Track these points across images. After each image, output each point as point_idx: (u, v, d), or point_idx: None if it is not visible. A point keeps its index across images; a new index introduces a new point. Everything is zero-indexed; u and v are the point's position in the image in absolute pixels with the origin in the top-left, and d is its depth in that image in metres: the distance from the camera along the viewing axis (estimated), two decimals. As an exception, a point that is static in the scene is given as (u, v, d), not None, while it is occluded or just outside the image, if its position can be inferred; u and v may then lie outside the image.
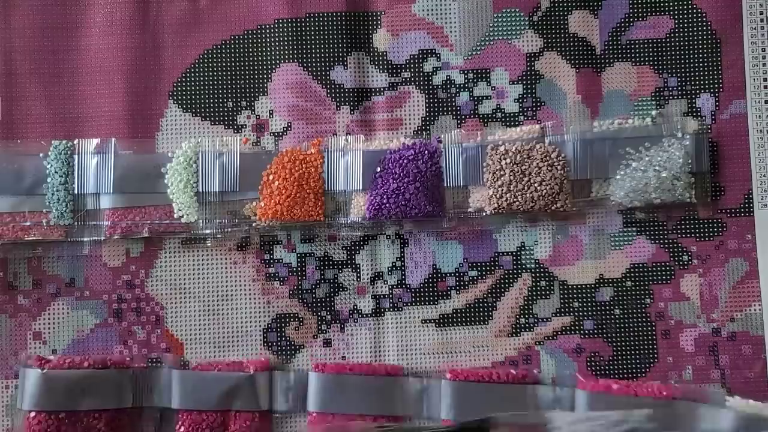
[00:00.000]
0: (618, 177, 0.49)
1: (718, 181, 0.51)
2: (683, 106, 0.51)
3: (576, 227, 0.51)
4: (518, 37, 0.51)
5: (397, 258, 0.51)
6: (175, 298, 0.50)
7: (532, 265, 0.51)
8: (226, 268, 0.50)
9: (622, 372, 0.50)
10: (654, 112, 0.51)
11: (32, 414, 0.47)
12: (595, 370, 0.50)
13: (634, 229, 0.51)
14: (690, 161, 0.49)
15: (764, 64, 0.51)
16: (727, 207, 0.51)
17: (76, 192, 0.49)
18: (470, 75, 0.51)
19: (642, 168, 0.49)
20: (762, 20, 0.51)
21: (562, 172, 0.49)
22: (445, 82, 0.51)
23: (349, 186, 0.50)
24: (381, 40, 0.51)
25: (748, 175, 0.51)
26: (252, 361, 0.49)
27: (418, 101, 0.51)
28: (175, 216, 0.49)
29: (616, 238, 0.51)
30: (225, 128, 0.51)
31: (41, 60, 0.51)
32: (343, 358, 0.50)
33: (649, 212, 0.51)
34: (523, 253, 0.51)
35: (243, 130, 0.51)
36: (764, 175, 0.51)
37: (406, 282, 0.51)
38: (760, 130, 0.51)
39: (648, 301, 0.51)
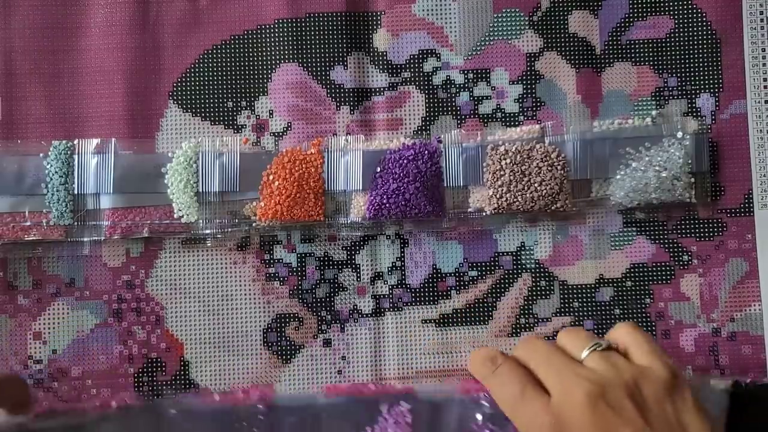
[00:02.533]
0: (618, 177, 0.49)
1: (718, 181, 0.51)
2: (683, 106, 0.51)
3: (576, 227, 0.51)
4: (518, 37, 0.51)
5: (397, 258, 0.51)
6: (175, 298, 0.50)
7: (532, 265, 0.51)
8: (226, 268, 0.50)
9: (622, 372, 0.50)
10: (654, 112, 0.51)
11: None
12: (595, 370, 0.50)
13: (634, 229, 0.51)
14: (690, 161, 0.49)
15: (764, 64, 0.51)
16: (727, 207, 0.51)
17: (76, 192, 0.49)
18: (470, 75, 0.51)
19: (642, 168, 0.49)
20: (762, 20, 0.51)
21: (562, 172, 0.49)
22: (445, 82, 0.51)
23: (349, 186, 0.50)
24: (381, 40, 0.51)
25: (748, 175, 0.51)
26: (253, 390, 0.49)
27: (418, 101, 0.51)
28: (175, 216, 0.49)
29: (616, 238, 0.51)
30: (225, 128, 0.51)
31: (41, 60, 0.51)
32: (343, 358, 0.50)
33: (649, 212, 0.51)
34: (523, 253, 0.51)
35: (243, 130, 0.51)
36: (764, 175, 0.51)
37: (406, 282, 0.51)
38: (760, 130, 0.51)
39: (648, 301, 0.51)
